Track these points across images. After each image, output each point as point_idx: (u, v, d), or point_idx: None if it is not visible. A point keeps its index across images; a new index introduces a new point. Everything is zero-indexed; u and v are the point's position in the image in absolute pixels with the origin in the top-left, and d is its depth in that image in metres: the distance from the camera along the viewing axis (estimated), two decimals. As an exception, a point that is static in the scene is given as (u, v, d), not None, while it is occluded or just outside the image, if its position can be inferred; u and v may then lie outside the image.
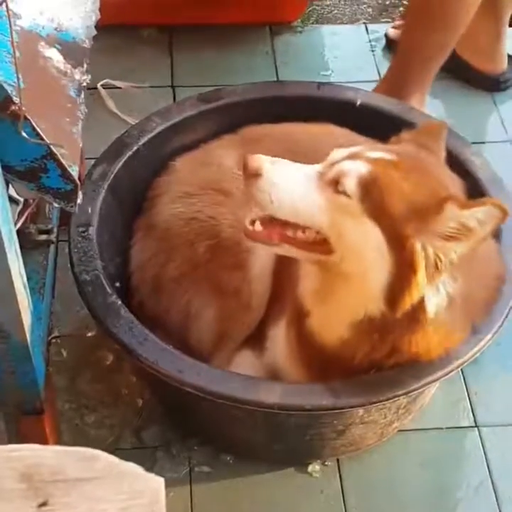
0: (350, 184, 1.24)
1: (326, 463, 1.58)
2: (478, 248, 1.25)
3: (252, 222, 1.31)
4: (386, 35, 2.34)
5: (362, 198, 1.23)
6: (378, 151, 1.29)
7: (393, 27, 2.32)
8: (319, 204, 1.26)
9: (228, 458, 1.57)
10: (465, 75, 2.24)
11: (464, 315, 1.36)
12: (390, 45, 2.29)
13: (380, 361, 1.36)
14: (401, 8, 2.47)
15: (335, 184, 1.25)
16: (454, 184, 1.33)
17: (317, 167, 1.29)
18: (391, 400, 1.40)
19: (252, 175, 1.26)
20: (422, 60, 1.93)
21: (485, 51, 2.20)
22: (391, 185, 1.23)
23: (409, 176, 1.25)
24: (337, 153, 1.30)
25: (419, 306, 1.26)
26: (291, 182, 1.27)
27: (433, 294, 1.26)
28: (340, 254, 1.27)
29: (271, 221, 1.30)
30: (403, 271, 1.23)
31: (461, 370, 1.62)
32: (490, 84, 2.24)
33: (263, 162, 1.27)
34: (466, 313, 1.37)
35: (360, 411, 1.44)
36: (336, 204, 1.25)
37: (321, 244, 1.28)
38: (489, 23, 2.13)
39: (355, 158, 1.27)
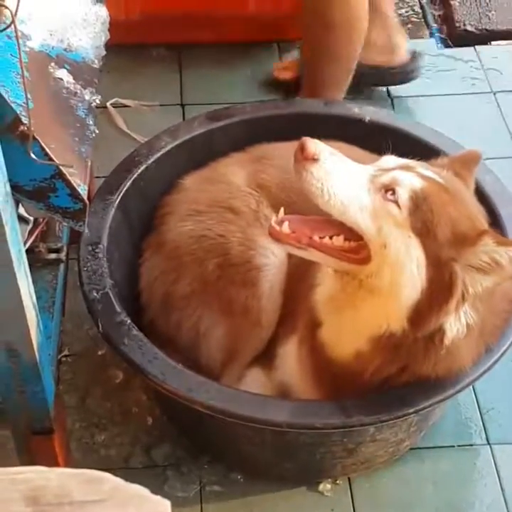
0: (404, 195, 1.23)
1: (337, 481, 1.57)
2: (502, 284, 1.26)
3: (280, 223, 1.27)
4: (275, 78, 2.29)
5: (411, 212, 1.23)
6: (429, 170, 1.29)
7: (278, 69, 2.30)
8: (368, 206, 1.24)
9: (239, 477, 1.57)
10: (369, 78, 2.20)
11: (478, 343, 1.37)
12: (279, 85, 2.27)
13: (390, 379, 1.35)
14: (409, 25, 2.48)
15: (386, 190, 1.24)
16: (483, 218, 1.34)
17: (370, 169, 1.27)
18: (402, 418, 1.39)
19: (308, 159, 1.22)
20: (324, 88, 1.97)
21: (382, 49, 2.18)
22: (441, 206, 1.24)
23: (455, 202, 1.26)
24: (389, 160, 1.29)
25: (439, 331, 1.27)
26: (346, 176, 1.23)
27: (454, 321, 1.27)
28: (376, 265, 1.25)
29: (302, 222, 1.27)
30: (437, 293, 1.23)
31: (473, 387, 1.61)
32: (396, 78, 2.23)
33: (322, 149, 1.24)
34: (480, 341, 1.37)
35: (371, 429, 1.43)
36: (385, 211, 1.24)
37: (355, 253, 1.26)
38: (379, 22, 2.12)
39: (408, 169, 1.27)
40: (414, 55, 2.24)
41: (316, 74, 1.99)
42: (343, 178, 1.23)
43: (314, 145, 1.23)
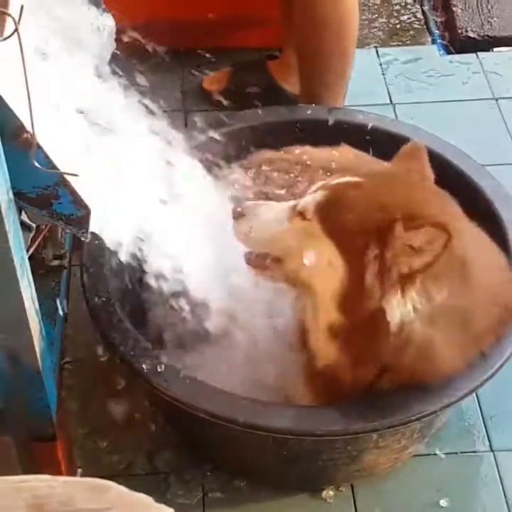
0: (309, 210, 1.37)
1: (340, 488, 1.56)
2: (454, 266, 1.30)
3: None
4: (203, 89, 2.29)
5: (321, 220, 1.35)
6: (344, 178, 1.39)
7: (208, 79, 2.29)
8: (287, 234, 1.40)
9: (241, 484, 1.56)
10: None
11: (461, 342, 1.37)
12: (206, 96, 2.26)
13: (374, 382, 1.37)
14: (411, 32, 2.48)
15: (301, 215, 1.38)
16: (423, 201, 1.36)
17: (293, 203, 1.42)
18: (405, 425, 1.39)
19: (236, 217, 1.43)
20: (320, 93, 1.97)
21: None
22: (345, 202, 1.34)
23: (368, 192, 1.35)
24: (312, 188, 1.42)
25: (381, 317, 1.30)
26: (267, 219, 1.42)
27: (396, 305, 1.30)
28: (303, 273, 1.38)
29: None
30: (358, 279, 1.30)
31: (476, 394, 1.61)
32: None
33: (247, 205, 1.44)
34: (466, 341, 1.37)
35: (374, 436, 1.43)
36: (301, 230, 1.38)
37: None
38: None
39: (319, 189, 1.39)
40: None
41: (310, 77, 1.98)
42: (264, 221, 1.42)
43: (240, 205, 1.45)
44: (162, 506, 0.79)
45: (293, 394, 1.46)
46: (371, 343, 1.34)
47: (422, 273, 1.28)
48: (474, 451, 1.63)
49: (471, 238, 1.39)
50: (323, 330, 1.38)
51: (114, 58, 1.38)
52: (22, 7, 0.96)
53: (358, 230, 1.31)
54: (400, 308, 1.30)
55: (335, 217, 1.34)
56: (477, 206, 1.59)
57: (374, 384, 1.38)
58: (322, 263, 1.34)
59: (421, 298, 1.30)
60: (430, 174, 1.44)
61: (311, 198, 1.38)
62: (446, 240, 1.24)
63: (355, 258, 1.31)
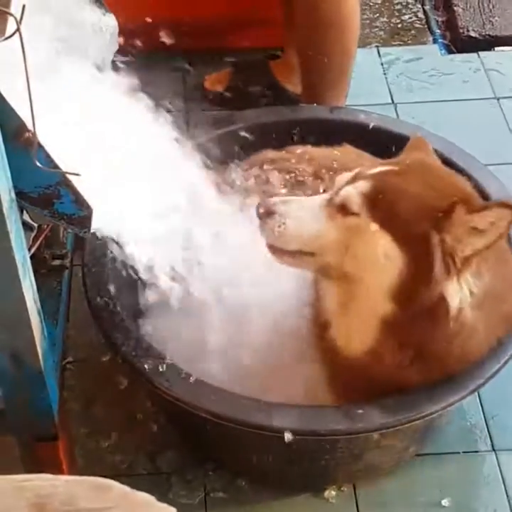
0: (356, 203, 1.30)
1: (343, 488, 1.56)
2: (496, 247, 1.29)
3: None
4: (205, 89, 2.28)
5: (370, 212, 1.30)
6: (378, 167, 1.36)
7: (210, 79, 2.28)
8: (329, 231, 1.33)
9: (243, 483, 1.56)
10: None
11: (491, 324, 1.37)
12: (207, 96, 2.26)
13: (406, 374, 1.36)
14: (413, 31, 2.48)
15: (343, 209, 1.32)
16: (463, 184, 1.38)
17: (325, 196, 1.36)
18: (407, 425, 1.39)
19: (265, 214, 1.35)
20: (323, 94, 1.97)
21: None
22: (395, 190, 1.30)
23: (414, 179, 1.32)
24: (341, 179, 1.36)
25: (441, 303, 1.29)
26: (301, 216, 1.35)
27: (455, 290, 1.29)
28: (349, 268, 1.33)
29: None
30: (420, 267, 1.27)
31: (478, 393, 1.60)
32: None
33: (275, 202, 1.36)
34: (493, 322, 1.38)
35: (376, 435, 1.43)
36: (346, 226, 1.32)
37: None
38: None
39: (356, 179, 1.33)
40: None
41: (312, 77, 1.98)
42: (298, 218, 1.35)
43: (267, 202, 1.37)
44: (165, 505, 0.79)
45: (313, 393, 1.45)
46: (429, 331, 1.31)
47: (482, 254, 1.28)
48: (476, 451, 1.63)
49: None
50: (366, 320, 1.34)
51: (116, 58, 1.38)
52: (24, 7, 0.96)
53: (414, 217, 1.27)
54: (459, 293, 1.29)
55: (388, 208, 1.29)
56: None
57: (403, 377, 1.36)
58: (378, 256, 1.29)
59: (475, 280, 1.30)
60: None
61: (353, 190, 1.32)
62: (510, 219, 1.24)
63: (414, 246, 1.27)
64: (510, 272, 1.39)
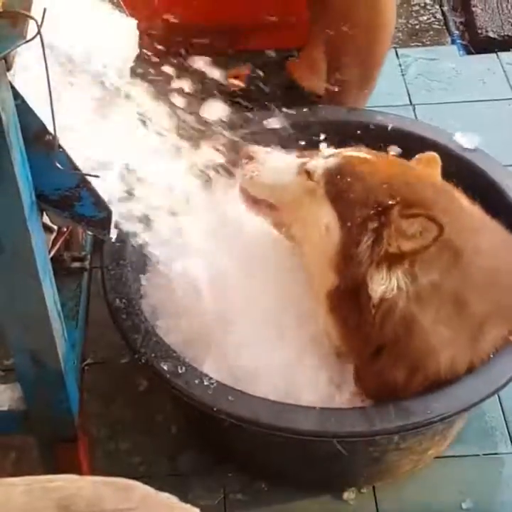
0: (318, 174, 1.43)
1: (362, 490, 1.56)
2: (423, 253, 1.34)
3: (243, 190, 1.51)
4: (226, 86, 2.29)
5: (327, 185, 1.41)
6: (357, 151, 1.46)
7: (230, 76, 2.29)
8: (289, 185, 1.46)
9: (263, 485, 1.56)
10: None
11: (455, 324, 1.39)
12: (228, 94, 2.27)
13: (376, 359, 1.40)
14: (431, 32, 2.47)
15: (308, 175, 1.44)
16: (426, 189, 1.41)
17: (300, 160, 1.48)
18: (426, 427, 1.38)
19: (245, 159, 1.48)
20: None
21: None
22: (354, 176, 1.40)
23: (378, 172, 1.40)
24: (325, 151, 1.50)
25: (363, 286, 1.36)
26: (273, 167, 1.48)
27: (379, 279, 1.35)
28: (295, 230, 1.46)
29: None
30: (353, 246, 1.36)
31: (498, 395, 1.60)
32: None
33: (258, 150, 1.50)
34: (461, 323, 1.39)
35: (396, 438, 1.42)
36: (304, 188, 1.44)
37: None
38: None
39: (332, 156, 1.45)
40: None
41: (340, 75, 1.96)
42: (272, 169, 1.48)
43: (250, 148, 1.50)
44: (187, 506, 0.79)
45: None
46: (357, 313, 1.38)
47: (410, 257, 1.34)
48: (496, 453, 1.62)
49: (478, 232, 1.43)
50: (319, 291, 1.42)
51: (136, 61, 1.38)
52: (45, 10, 0.96)
53: (360, 202, 1.37)
54: (384, 284, 1.35)
55: (341, 185, 1.40)
56: (500, 207, 1.58)
57: (375, 360, 1.40)
58: (319, 225, 1.40)
59: (406, 278, 1.35)
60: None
61: (322, 162, 1.44)
62: (437, 234, 1.31)
63: (352, 227, 1.36)
64: (475, 278, 1.41)
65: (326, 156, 1.46)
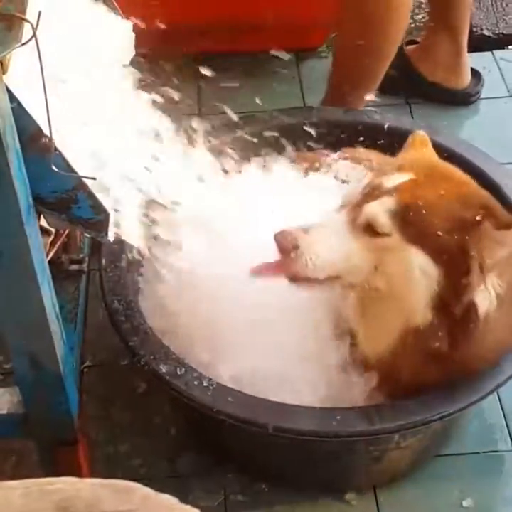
0: (385, 223, 1.28)
1: (363, 490, 1.55)
2: None
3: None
4: None
5: (400, 230, 1.28)
6: (394, 176, 1.32)
7: None
8: (358, 254, 1.30)
9: (263, 486, 1.56)
10: (428, 93, 2.24)
11: (508, 321, 1.38)
12: None
13: (430, 376, 1.37)
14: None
15: (370, 229, 1.29)
16: (478, 188, 1.37)
17: (343, 216, 1.32)
18: (426, 425, 1.38)
19: (288, 250, 1.29)
20: (352, 84, 1.96)
21: (448, 67, 2.21)
22: (422, 205, 1.28)
23: (436, 190, 1.30)
24: (354, 192, 1.34)
25: (472, 308, 1.30)
26: (328, 245, 1.30)
27: (484, 295, 1.30)
28: (380, 284, 1.32)
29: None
30: (456, 275, 1.27)
31: (497, 393, 1.60)
32: (458, 100, 2.25)
33: (296, 234, 1.30)
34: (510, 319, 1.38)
35: (396, 436, 1.42)
36: (377, 247, 1.29)
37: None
38: (449, 37, 2.15)
39: (375, 194, 1.30)
40: (477, 78, 2.27)
41: (346, 71, 1.97)
42: (326, 247, 1.30)
43: (287, 236, 1.30)
44: (188, 507, 0.79)
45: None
46: (458, 335, 1.32)
47: (502, 264, 1.29)
48: (496, 451, 1.62)
49: None
50: (393, 330, 1.34)
51: (132, 63, 1.38)
52: (39, 13, 0.96)
53: (444, 230, 1.26)
54: (488, 297, 1.30)
55: (418, 223, 1.27)
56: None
57: (426, 378, 1.38)
58: (413, 273, 1.29)
59: (500, 281, 1.31)
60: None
61: (379, 208, 1.29)
62: None
63: (447, 258, 1.27)
64: None
65: (369, 197, 1.30)
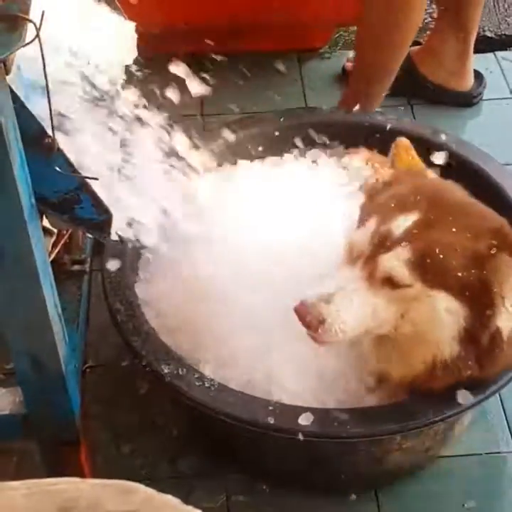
0: (405, 275, 1.26)
1: (365, 490, 1.55)
2: None
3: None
4: (343, 68, 2.33)
5: (421, 278, 1.26)
6: (400, 219, 1.28)
7: (348, 60, 2.31)
8: (382, 308, 1.29)
9: (264, 487, 1.56)
10: (431, 95, 2.25)
11: None
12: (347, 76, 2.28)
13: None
14: (428, 32, 2.47)
15: (386, 283, 1.27)
16: (483, 209, 1.36)
17: (359, 272, 1.29)
18: (428, 427, 1.38)
19: (316, 326, 1.27)
20: (368, 79, 1.97)
21: (453, 68, 2.21)
22: (437, 248, 1.26)
23: (445, 225, 1.28)
24: (361, 240, 1.30)
25: (497, 334, 1.30)
26: (352, 310, 1.27)
27: (506, 317, 1.29)
28: (407, 330, 1.32)
29: None
30: (480, 307, 1.27)
31: (499, 394, 1.60)
32: (460, 101, 2.25)
33: (320, 307, 1.27)
34: None
35: (398, 438, 1.42)
36: (400, 298, 1.28)
37: None
38: (457, 38, 2.15)
39: (387, 245, 1.27)
40: (479, 80, 2.27)
41: (366, 60, 1.97)
42: (351, 313, 1.27)
43: (311, 311, 1.27)
44: (190, 508, 0.78)
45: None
46: (485, 359, 1.33)
47: None
48: (498, 452, 1.62)
49: None
50: (421, 364, 1.35)
51: (134, 64, 1.39)
52: (43, 13, 0.96)
53: (462, 267, 1.26)
54: (510, 319, 1.30)
55: (437, 268, 1.26)
56: (500, 207, 1.57)
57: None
58: (439, 316, 1.28)
59: None
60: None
61: (396, 262, 1.26)
62: None
63: (469, 293, 1.27)
64: None
65: (382, 248, 1.27)
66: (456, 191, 1.40)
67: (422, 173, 1.44)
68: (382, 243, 1.28)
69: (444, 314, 1.29)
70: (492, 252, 1.26)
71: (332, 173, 1.70)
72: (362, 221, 1.35)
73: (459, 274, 1.26)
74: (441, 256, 1.26)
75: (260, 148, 1.76)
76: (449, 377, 1.35)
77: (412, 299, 1.28)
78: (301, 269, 1.45)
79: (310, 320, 1.27)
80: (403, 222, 1.28)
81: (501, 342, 1.32)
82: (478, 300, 1.28)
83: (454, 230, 1.28)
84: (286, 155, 1.77)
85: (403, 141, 1.47)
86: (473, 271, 1.26)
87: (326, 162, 1.73)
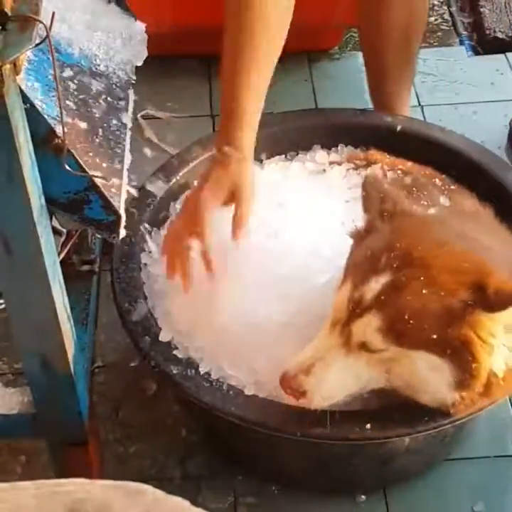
0: (378, 341, 1.24)
1: (373, 492, 1.55)
2: None
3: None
4: None
5: (396, 342, 1.24)
6: (371, 283, 1.24)
7: None
8: (364, 370, 1.28)
9: (273, 488, 1.56)
10: None
11: None
12: None
13: None
14: (439, 33, 2.47)
15: (365, 347, 1.26)
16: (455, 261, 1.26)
17: (336, 339, 1.27)
18: (437, 429, 1.37)
19: (298, 396, 1.28)
20: None
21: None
22: (408, 315, 1.22)
23: (416, 287, 1.22)
24: (339, 305, 1.27)
25: (491, 377, 1.28)
26: (334, 375, 1.27)
27: (497, 358, 1.26)
28: (397, 384, 1.31)
29: None
30: (464, 364, 1.24)
31: (508, 397, 1.59)
32: None
33: (301, 380, 1.27)
34: None
35: (406, 440, 1.42)
36: (379, 360, 1.26)
37: None
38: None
39: (358, 313, 1.24)
40: None
41: (377, 62, 1.96)
42: (331, 380, 1.27)
43: (291, 385, 1.28)
44: (198, 509, 0.78)
45: None
46: (487, 394, 1.31)
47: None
48: (507, 455, 1.61)
49: None
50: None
51: (145, 64, 1.39)
52: (53, 14, 0.97)
53: (439, 328, 1.21)
54: (502, 357, 1.26)
55: (411, 333, 1.22)
56: (508, 208, 1.57)
57: None
58: (423, 373, 1.26)
59: (508, 335, 1.26)
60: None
61: (366, 329, 1.24)
62: None
63: (452, 349, 1.23)
64: None
65: (356, 316, 1.24)
66: (436, 231, 1.30)
67: (400, 212, 1.33)
68: (355, 309, 1.25)
69: (427, 372, 1.26)
70: (468, 310, 1.21)
71: (340, 174, 1.69)
72: (345, 277, 1.30)
73: (435, 336, 1.22)
74: (411, 321, 1.21)
75: (268, 150, 1.76)
76: (461, 411, 1.33)
77: (391, 359, 1.26)
78: (312, 273, 1.45)
79: (291, 393, 1.28)
80: (374, 286, 1.23)
81: (498, 378, 1.28)
82: (462, 356, 1.23)
83: (424, 291, 1.21)
84: (294, 156, 1.76)
85: (369, 177, 1.39)
86: (449, 330, 1.21)
87: (334, 164, 1.72)
